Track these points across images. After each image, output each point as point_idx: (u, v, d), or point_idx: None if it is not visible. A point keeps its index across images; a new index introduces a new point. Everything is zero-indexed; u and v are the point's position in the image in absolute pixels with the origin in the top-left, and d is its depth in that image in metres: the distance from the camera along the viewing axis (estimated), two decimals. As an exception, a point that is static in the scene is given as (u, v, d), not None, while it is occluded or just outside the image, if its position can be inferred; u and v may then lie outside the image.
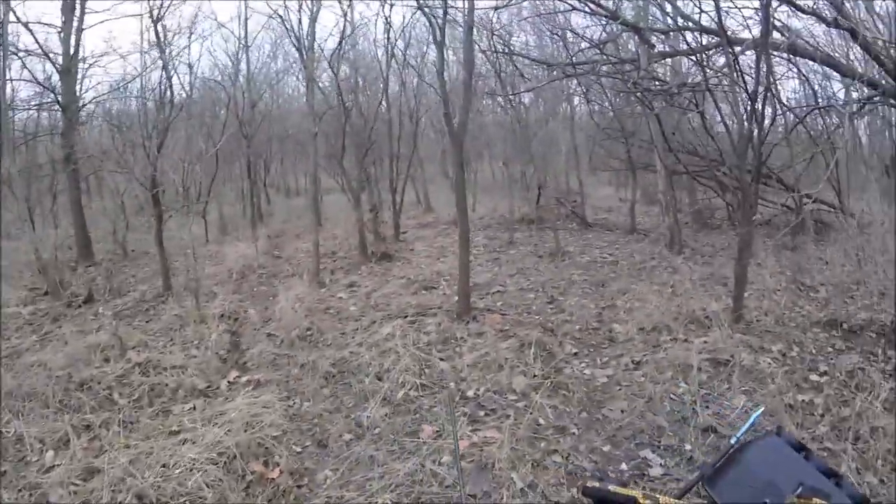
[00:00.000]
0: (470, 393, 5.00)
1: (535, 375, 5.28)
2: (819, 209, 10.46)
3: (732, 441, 1.33)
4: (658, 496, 1.22)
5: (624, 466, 4.03)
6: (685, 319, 6.39)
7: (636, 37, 8.75)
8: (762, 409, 1.30)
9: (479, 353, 5.67)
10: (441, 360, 5.62)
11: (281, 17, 11.24)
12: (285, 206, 18.39)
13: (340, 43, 11.51)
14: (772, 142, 7.85)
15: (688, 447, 4.17)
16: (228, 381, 5.55)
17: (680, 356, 5.43)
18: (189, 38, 13.12)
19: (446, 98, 7.10)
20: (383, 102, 12.18)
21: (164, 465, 3.95)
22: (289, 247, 11.63)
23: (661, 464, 4.04)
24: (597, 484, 1.35)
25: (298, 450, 4.39)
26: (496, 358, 5.49)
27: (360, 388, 5.18)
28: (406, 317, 6.70)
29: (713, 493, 1.24)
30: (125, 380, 5.52)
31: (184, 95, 14.00)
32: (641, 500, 1.22)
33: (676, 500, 1.24)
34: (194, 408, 4.96)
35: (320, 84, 12.01)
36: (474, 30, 10.28)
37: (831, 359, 5.41)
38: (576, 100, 15.31)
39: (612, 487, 1.32)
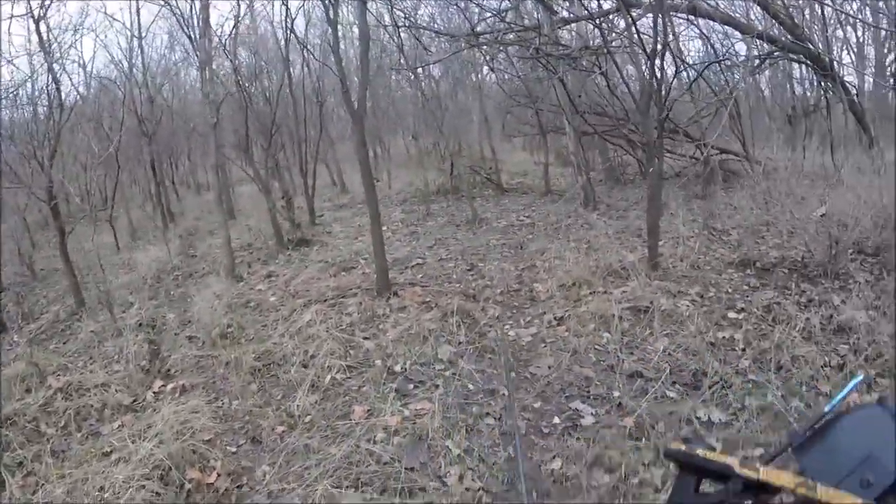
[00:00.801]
0: (397, 368, 5.00)
1: (459, 343, 5.34)
2: (726, 159, 10.86)
3: (827, 408, 1.17)
4: (758, 466, 1.03)
5: (556, 420, 4.14)
6: (603, 272, 6.52)
7: (538, 4, 8.86)
8: (861, 376, 1.10)
9: (402, 327, 5.66)
10: (365, 339, 5.58)
11: (169, 4, 10.76)
12: (196, 203, 17.83)
13: (235, 26, 11.17)
14: (674, 98, 8.07)
15: (616, 394, 4.33)
16: (153, 392, 5.37)
17: (601, 308, 5.56)
18: (75, 34, 12.31)
19: (343, 76, 6.99)
20: (286, 86, 11.89)
21: (100, 489, 3.82)
22: (203, 244, 11.29)
23: (591, 413, 4.17)
24: (682, 447, 1.14)
25: (233, 450, 4.32)
26: (420, 330, 5.50)
27: (286, 379, 5.12)
28: (326, 301, 6.61)
29: (801, 459, 1.13)
30: (49, 407, 5.27)
31: (76, 97, 13.39)
32: (739, 469, 1.03)
33: (779, 471, 1.02)
34: (123, 425, 4.79)
35: (220, 71, 11.64)
36: (375, 4, 10.24)
37: (747, 296, 5.64)
38: (484, 69, 15.34)
39: (700, 451, 1.10)
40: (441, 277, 7.32)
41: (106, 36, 24.11)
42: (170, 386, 5.41)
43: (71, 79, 15.46)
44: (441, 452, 3.81)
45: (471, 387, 4.64)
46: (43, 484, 4.09)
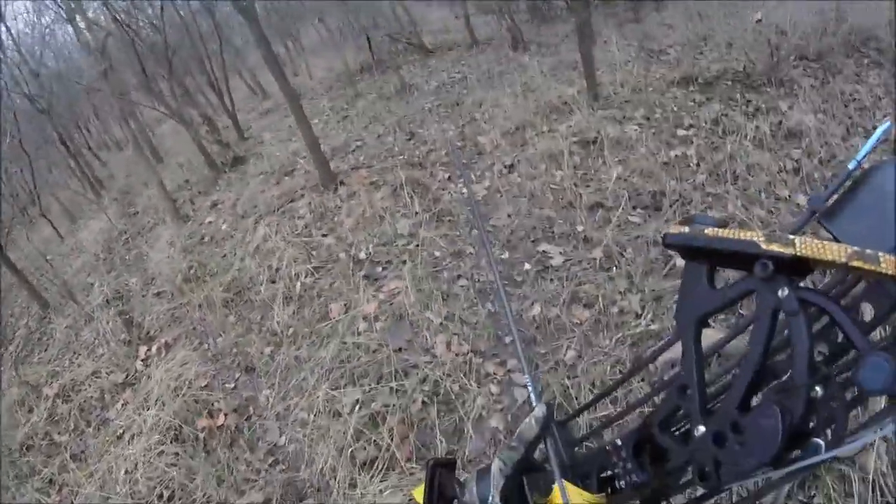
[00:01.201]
0: (361, 255, 4.90)
1: (416, 213, 5.23)
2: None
3: (851, 166, 0.92)
4: (792, 237, 0.61)
5: (527, 266, 4.12)
6: (545, 111, 6.41)
7: None
8: (888, 123, 0.80)
9: (356, 214, 5.53)
10: (323, 236, 5.46)
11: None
12: (121, 161, 17.13)
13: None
14: None
15: (580, 228, 4.30)
16: (141, 360, 5.32)
17: (549, 147, 5.49)
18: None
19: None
20: (167, 5, 11.09)
21: (126, 472, 3.87)
22: (141, 199, 10.85)
23: (560, 252, 4.15)
24: (683, 229, 0.78)
25: (231, 386, 4.33)
26: (374, 212, 5.38)
27: (260, 300, 5.03)
28: (275, 211, 6.42)
29: (833, 229, 0.86)
30: (55, 416, 5.22)
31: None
32: (766, 245, 0.69)
33: (821, 241, 0.73)
34: (126, 402, 4.78)
35: (94, 18, 10.80)
36: None
37: (693, 112, 5.56)
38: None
39: (710, 231, 0.75)
40: (383, 154, 7.08)
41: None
42: (154, 348, 5.35)
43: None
44: (423, 326, 3.79)
45: (437, 254, 4.58)
46: (76, 490, 4.11)
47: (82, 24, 9.44)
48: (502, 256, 4.31)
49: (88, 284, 7.95)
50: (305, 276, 4.94)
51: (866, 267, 0.60)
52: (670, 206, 4.22)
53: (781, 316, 0.67)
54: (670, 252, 3.69)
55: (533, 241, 4.37)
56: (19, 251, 9.28)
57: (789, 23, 6.09)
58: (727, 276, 0.82)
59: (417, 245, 4.71)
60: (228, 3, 13.28)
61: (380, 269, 4.65)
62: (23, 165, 13.01)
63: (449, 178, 5.87)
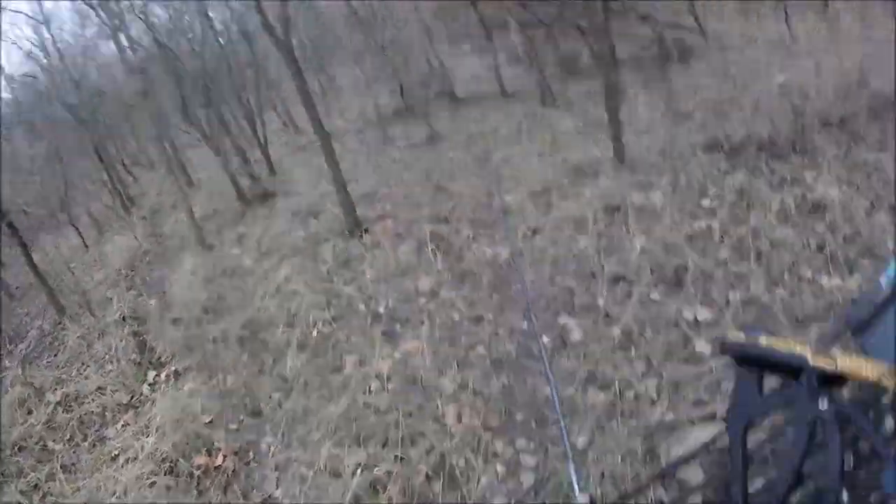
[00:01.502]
0: (380, 309, 4.92)
1: (438, 271, 5.24)
2: (680, 36, 10.51)
3: (884, 281, 1.05)
4: (835, 354, 0.83)
5: (546, 339, 4.06)
6: (571, 172, 6.42)
7: None
8: None
9: (379, 265, 5.58)
10: (344, 285, 5.48)
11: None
12: (154, 180, 17.38)
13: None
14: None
15: (601, 302, 4.23)
16: (149, 384, 5.34)
17: (575, 211, 5.48)
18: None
19: (261, 9, 6.56)
20: (209, 34, 11.37)
21: (115, 495, 3.86)
22: (168, 221, 11.03)
23: (579, 326, 4.10)
24: (740, 336, 0.94)
25: (235, 427, 4.29)
26: (397, 265, 5.42)
27: (275, 342, 5.05)
28: (300, 252, 6.48)
29: (865, 346, 1.01)
30: (53, 423, 5.26)
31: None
32: (813, 360, 0.84)
33: (860, 359, 0.84)
34: (126, 424, 4.80)
35: (137, 37, 11.07)
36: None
37: (718, 181, 5.49)
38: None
39: (764, 340, 0.91)
40: (409, 204, 7.12)
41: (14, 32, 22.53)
42: (163, 374, 5.37)
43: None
44: (436, 392, 3.75)
45: (456, 316, 4.57)
46: (60, 502, 4.12)
47: (125, 42, 9.65)
48: (522, 327, 4.28)
49: (107, 299, 8.02)
50: (323, 325, 4.95)
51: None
52: (692, 282, 4.16)
53: None
54: (689, 334, 3.67)
55: (553, 313, 4.33)
56: (44, 253, 9.38)
57: (812, 85, 6.06)
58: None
59: (438, 304, 4.71)
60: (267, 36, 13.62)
61: (398, 326, 4.65)
62: (53, 170, 13.30)
63: (473, 236, 5.86)
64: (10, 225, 8.07)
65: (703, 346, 3.49)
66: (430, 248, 5.53)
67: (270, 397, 4.40)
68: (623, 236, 4.98)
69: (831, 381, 0.82)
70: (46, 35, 13.85)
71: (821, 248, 4.23)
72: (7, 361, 7.63)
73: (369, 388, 3.98)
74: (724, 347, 0.96)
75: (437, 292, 4.88)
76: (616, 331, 3.88)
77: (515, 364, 3.91)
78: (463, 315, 4.55)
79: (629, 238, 4.90)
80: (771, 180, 5.27)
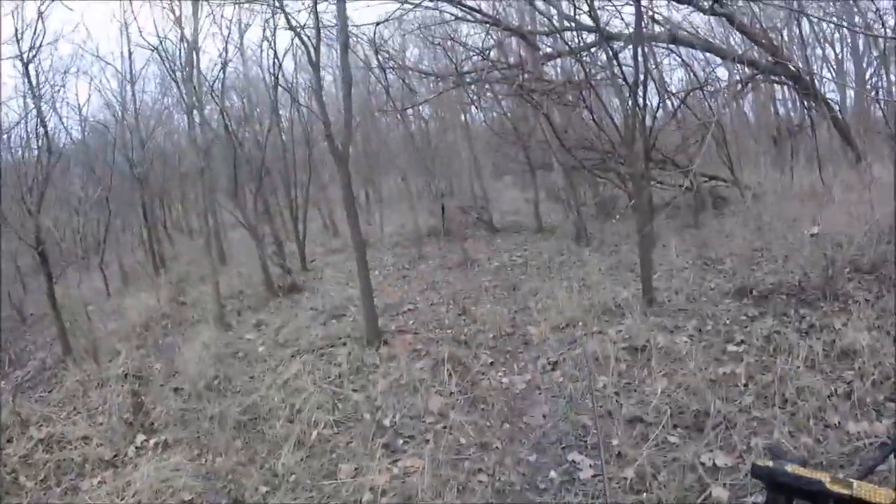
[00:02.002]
0: (386, 422, 4.87)
1: (451, 393, 5.21)
2: (716, 185, 10.87)
3: None
4: (851, 480, 0.96)
5: (553, 474, 3.99)
6: (598, 311, 6.42)
7: (522, 42, 8.94)
8: None
9: (392, 377, 5.54)
10: (354, 391, 5.45)
11: (156, 49, 10.85)
12: (190, 248, 17.74)
13: (223, 69, 11.22)
14: (659, 128, 8.11)
15: (615, 442, 4.14)
16: (136, 447, 5.26)
17: (597, 349, 5.43)
18: (63, 77, 12.32)
19: (326, 120, 6.98)
20: (275, 129, 11.94)
21: None
22: (194, 291, 11.16)
23: (590, 465, 4.01)
24: (769, 463, 1.07)
25: (214, 512, 4.21)
26: (410, 380, 5.39)
27: (272, 434, 4.98)
28: (315, 350, 6.49)
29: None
30: (30, 459, 5.17)
31: (68, 140, 13.42)
32: (830, 485, 0.96)
33: (874, 486, 0.96)
34: (103, 481, 4.69)
35: (209, 115, 11.66)
36: (362, 48, 10.33)
37: (746, 327, 5.48)
38: (472, 108, 15.42)
39: (790, 467, 1.03)
40: (432, 323, 7.20)
41: (101, 80, 23.88)
42: (152, 441, 5.30)
43: (63, 122, 15.38)
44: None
45: (463, 441, 4.50)
46: None
47: (196, 119, 10.12)
48: (529, 458, 4.21)
49: (115, 351, 8.01)
50: (324, 427, 4.90)
51: None
52: (713, 428, 4.03)
53: None
54: (706, 479, 3.55)
55: (564, 448, 4.25)
56: (66, 290, 9.49)
57: (844, 234, 6.09)
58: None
59: (445, 427, 4.65)
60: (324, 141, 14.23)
61: (401, 441, 4.59)
62: (101, 217, 13.74)
63: (492, 363, 5.86)
64: (42, 254, 8.23)
65: (719, 491, 3.37)
66: (445, 369, 5.50)
67: (257, 489, 4.29)
68: (644, 377, 4.93)
69: None
70: (129, 92, 14.59)
71: (848, 395, 4.12)
72: (3, 383, 7.62)
73: (361, 499, 3.89)
74: (755, 471, 1.09)
75: (446, 414, 4.82)
76: (629, 472, 3.75)
77: (519, 496, 3.81)
78: (470, 440, 4.48)
79: (651, 379, 4.85)
80: (799, 327, 5.22)
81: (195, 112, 9.82)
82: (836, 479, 0.96)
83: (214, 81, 10.96)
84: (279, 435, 4.92)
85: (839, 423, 3.86)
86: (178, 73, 10.41)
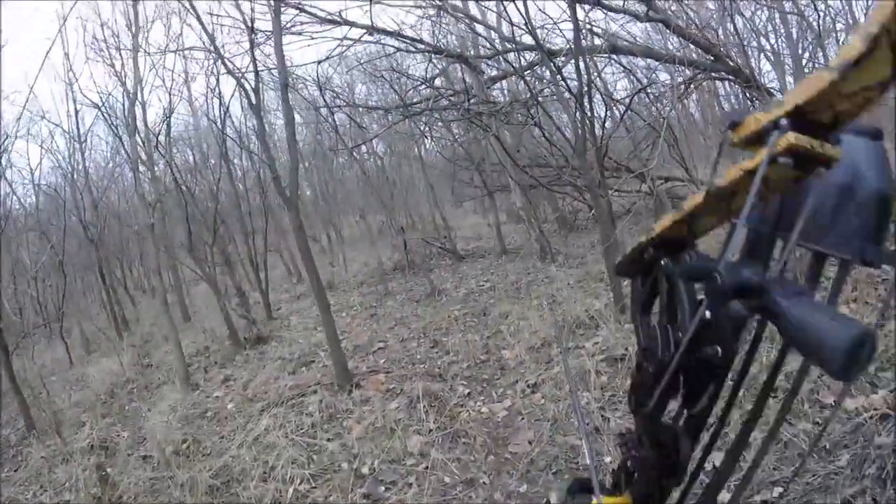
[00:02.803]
0: (365, 469, 4.67)
1: (430, 430, 5.06)
2: (672, 186, 10.99)
3: None
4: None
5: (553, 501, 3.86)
6: (572, 326, 6.37)
7: (465, 67, 8.97)
8: None
9: (367, 422, 5.35)
10: (328, 440, 5.24)
11: (98, 106, 10.71)
12: (152, 308, 17.41)
13: (167, 120, 11.11)
14: (608, 135, 8.20)
15: (608, 459, 3.99)
16: (101, 525, 5.03)
17: (576, 364, 5.34)
18: (9, 142, 12.10)
19: (272, 163, 6.92)
20: (226, 178, 11.81)
21: None
22: (158, 352, 10.88)
23: None
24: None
25: None
26: (386, 423, 5.21)
27: (246, 497, 4.75)
28: (285, 402, 6.29)
29: None
30: None
31: (17, 206, 13.17)
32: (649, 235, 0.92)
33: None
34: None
35: (157, 170, 11.48)
36: (310, 87, 10.30)
37: None
38: (425, 138, 15.52)
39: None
40: (404, 360, 7.06)
41: (52, 142, 23.60)
42: (119, 516, 5.05)
43: (12, 187, 15.05)
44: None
45: (447, 479, 4.34)
46: None
47: (146, 173, 9.97)
48: (520, 489, 4.06)
49: (80, 422, 7.73)
50: (301, 482, 4.69)
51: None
52: (707, 428, 3.91)
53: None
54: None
55: (554, 473, 4.10)
56: (26, 362, 9.19)
57: None
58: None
59: (427, 467, 4.49)
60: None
61: (382, 488, 4.41)
62: (59, 282, 13.43)
63: (469, 393, 5.73)
64: (-4, 326, 7.96)
65: (723, 495, 3.25)
66: (422, 406, 5.34)
67: (234, 557, 4.12)
68: (628, 388, 4.82)
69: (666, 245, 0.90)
70: (78, 152, 14.37)
71: None
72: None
73: (343, 561, 3.73)
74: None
75: (427, 453, 4.65)
76: None
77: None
78: (455, 478, 4.31)
79: None
80: None
81: (142, 167, 9.64)
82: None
83: (159, 133, 10.80)
84: (254, 497, 4.68)
85: (835, 402, 3.78)
86: (123, 128, 10.26)
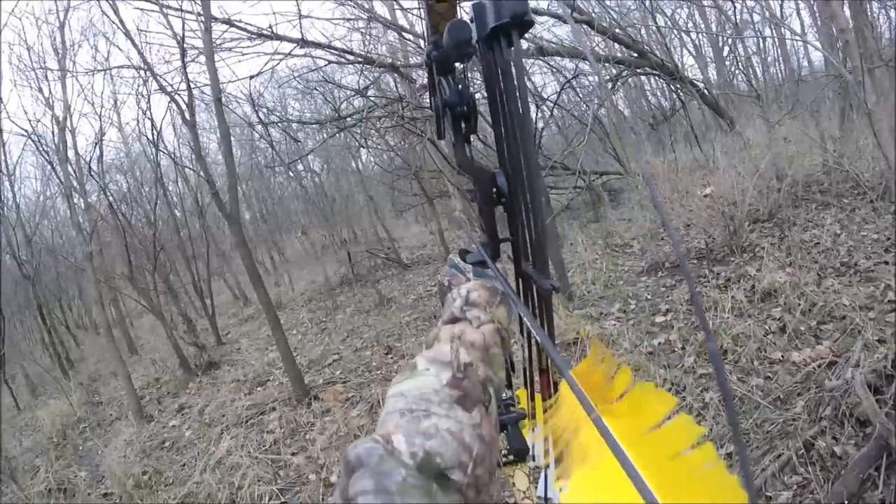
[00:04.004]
0: (333, 478, 4.73)
1: (393, 432, 5.12)
2: (608, 180, 11.31)
3: None
4: None
5: None
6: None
7: (397, 76, 9.06)
8: None
9: (329, 431, 5.42)
10: (293, 454, 5.29)
11: (28, 134, 10.45)
12: (96, 344, 16.96)
13: (98, 145, 10.90)
14: (540, 134, 8.41)
15: None
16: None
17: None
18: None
19: (210, 178, 6.87)
20: (164, 202, 11.64)
21: None
22: (108, 389, 10.66)
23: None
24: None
25: None
26: (349, 430, 5.29)
27: (215, 521, 4.78)
28: (244, 422, 6.29)
29: None
30: None
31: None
32: None
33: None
34: None
35: (92, 197, 11.24)
36: (243, 105, 10.24)
37: (667, 296, 5.72)
38: (362, 151, 15.53)
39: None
40: (360, 368, 7.12)
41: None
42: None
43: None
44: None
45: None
46: None
47: (81, 203, 9.76)
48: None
49: (35, 467, 7.53)
50: (269, 499, 4.72)
51: None
52: None
53: None
54: None
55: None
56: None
57: (737, 191, 6.42)
58: None
59: (393, 472, 4.55)
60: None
61: (349, 496, 4.46)
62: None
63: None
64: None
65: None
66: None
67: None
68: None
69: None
70: (6, 184, 13.84)
71: (783, 329, 4.30)
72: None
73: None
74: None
75: (392, 455, 4.73)
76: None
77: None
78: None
79: None
80: (718, 283, 5.47)
81: (76, 195, 9.45)
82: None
83: (90, 160, 10.58)
84: (223, 518, 4.70)
85: (783, 356, 4.01)
86: (55, 157, 10.01)
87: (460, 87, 0.95)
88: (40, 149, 10.39)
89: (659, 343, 4.87)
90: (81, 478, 6.71)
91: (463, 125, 0.98)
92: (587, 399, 0.54)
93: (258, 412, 6.43)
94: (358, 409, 5.70)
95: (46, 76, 9.81)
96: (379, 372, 6.73)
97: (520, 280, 0.89)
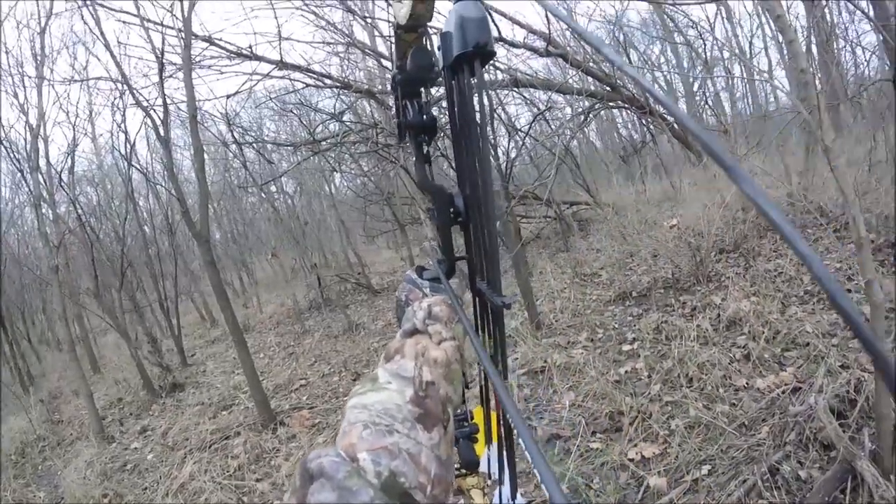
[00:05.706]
0: (295, 506, 4.74)
1: (357, 462, 5.13)
2: (578, 210, 11.51)
3: None
4: None
5: None
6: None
7: (373, 102, 9.15)
8: None
9: (295, 458, 5.42)
10: (257, 481, 5.27)
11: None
12: (58, 361, 16.65)
13: (71, 155, 10.79)
14: (512, 163, 8.57)
15: None
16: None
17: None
18: None
19: (181, 195, 6.88)
20: (134, 217, 11.57)
21: None
22: (69, 407, 10.49)
23: (520, 493, 4.01)
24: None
25: None
26: (314, 457, 5.28)
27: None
28: (207, 447, 6.25)
29: None
30: None
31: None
32: None
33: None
34: None
35: (61, 209, 11.12)
36: (216, 125, 10.24)
37: (634, 325, 5.83)
38: (336, 176, 15.57)
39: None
40: (327, 394, 7.14)
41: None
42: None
43: None
44: None
45: (381, 508, 4.43)
46: None
47: (50, 214, 9.65)
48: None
49: (-9, 489, 7.40)
50: (232, 527, 4.72)
51: None
52: (630, 424, 4.13)
53: None
54: (639, 472, 3.60)
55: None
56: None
57: (704, 221, 6.58)
58: None
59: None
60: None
61: (318, 522, 4.46)
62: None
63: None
64: None
65: (656, 480, 3.47)
66: (349, 437, 5.43)
67: None
68: (551, 396, 5.03)
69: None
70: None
71: (747, 357, 4.42)
72: None
73: None
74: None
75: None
76: (563, 488, 3.77)
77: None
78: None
79: (557, 396, 4.95)
80: (684, 312, 5.62)
81: (45, 205, 9.34)
82: None
83: (62, 171, 10.49)
84: (183, 546, 4.67)
85: (748, 383, 4.13)
86: (26, 164, 9.89)
87: (423, 110, 1.02)
88: (11, 156, 10.24)
89: (625, 371, 4.97)
90: (40, 498, 6.62)
91: (424, 147, 1.05)
92: (517, 412, 0.60)
93: (223, 436, 6.41)
94: (324, 436, 5.71)
95: (23, 81, 9.71)
96: (346, 398, 6.72)
97: (475, 297, 0.96)
